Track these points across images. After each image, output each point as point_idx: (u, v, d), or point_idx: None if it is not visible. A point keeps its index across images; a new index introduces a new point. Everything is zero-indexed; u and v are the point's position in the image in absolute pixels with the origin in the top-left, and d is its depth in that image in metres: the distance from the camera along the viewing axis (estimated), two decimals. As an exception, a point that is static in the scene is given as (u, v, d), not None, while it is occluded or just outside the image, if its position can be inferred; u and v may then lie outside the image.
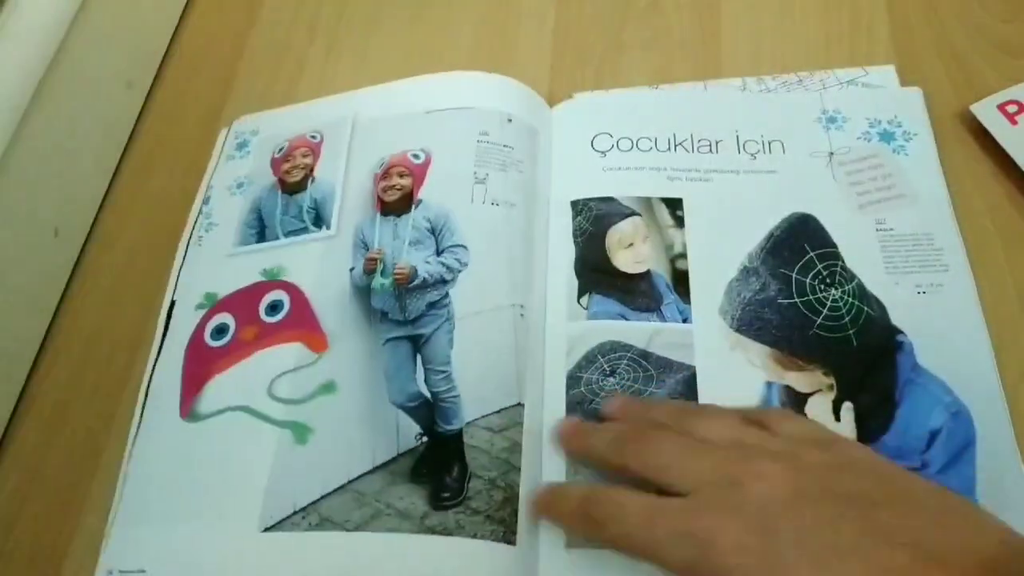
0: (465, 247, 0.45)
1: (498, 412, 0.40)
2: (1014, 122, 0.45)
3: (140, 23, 0.60)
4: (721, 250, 0.44)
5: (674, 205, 0.46)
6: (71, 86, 0.52)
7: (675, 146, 0.48)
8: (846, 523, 0.28)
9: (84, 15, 0.52)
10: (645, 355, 0.42)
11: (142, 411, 0.45)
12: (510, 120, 0.49)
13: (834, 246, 0.43)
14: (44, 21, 0.49)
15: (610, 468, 0.36)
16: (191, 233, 0.51)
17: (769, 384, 0.40)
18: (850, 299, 0.41)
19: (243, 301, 0.47)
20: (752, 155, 0.47)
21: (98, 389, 0.48)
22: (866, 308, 0.41)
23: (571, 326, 0.43)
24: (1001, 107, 0.45)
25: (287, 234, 0.48)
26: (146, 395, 0.45)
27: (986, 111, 0.46)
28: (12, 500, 0.45)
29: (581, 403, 0.41)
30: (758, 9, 0.55)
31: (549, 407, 0.41)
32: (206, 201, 0.52)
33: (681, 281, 0.44)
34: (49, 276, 0.51)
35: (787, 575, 0.27)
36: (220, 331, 0.46)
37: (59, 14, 0.50)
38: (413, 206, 0.47)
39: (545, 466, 0.40)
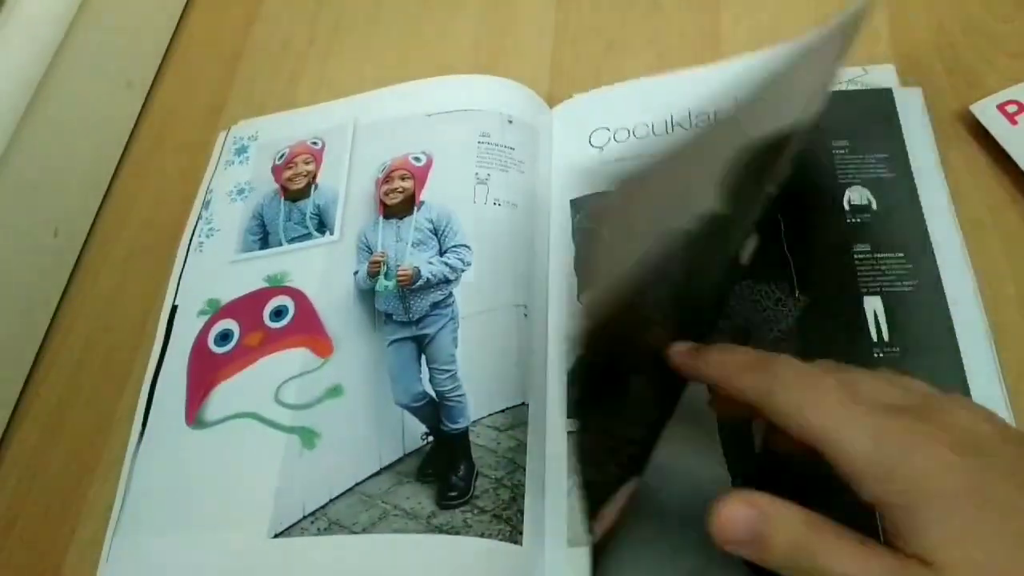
0: (468, 247, 0.45)
1: (503, 411, 0.40)
2: (1014, 122, 0.45)
3: (140, 23, 0.60)
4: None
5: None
6: (71, 86, 0.52)
7: (673, 127, 0.48)
8: None
9: (84, 15, 0.52)
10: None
11: (144, 418, 0.45)
12: (510, 121, 0.50)
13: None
14: (44, 21, 0.49)
15: (741, 393, 0.29)
16: (191, 239, 0.51)
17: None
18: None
19: (247, 307, 0.47)
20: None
21: (98, 390, 0.48)
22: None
23: (573, 325, 0.43)
24: (1001, 107, 0.45)
25: (290, 240, 0.49)
26: (149, 401, 0.45)
27: (986, 111, 0.46)
28: (12, 500, 0.45)
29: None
30: (758, 9, 0.55)
31: (552, 407, 0.41)
32: (206, 206, 0.52)
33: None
34: (49, 276, 0.51)
35: (998, 509, 0.23)
36: (224, 337, 0.46)
37: (59, 14, 0.50)
38: (415, 208, 0.47)
39: (549, 466, 0.40)
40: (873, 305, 0.41)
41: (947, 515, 0.23)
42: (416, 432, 0.40)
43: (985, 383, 0.39)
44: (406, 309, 0.43)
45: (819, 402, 0.26)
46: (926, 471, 0.24)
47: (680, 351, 0.32)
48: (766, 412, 0.27)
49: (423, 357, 0.42)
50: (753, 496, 0.26)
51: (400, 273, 0.44)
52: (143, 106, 0.60)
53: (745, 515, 0.26)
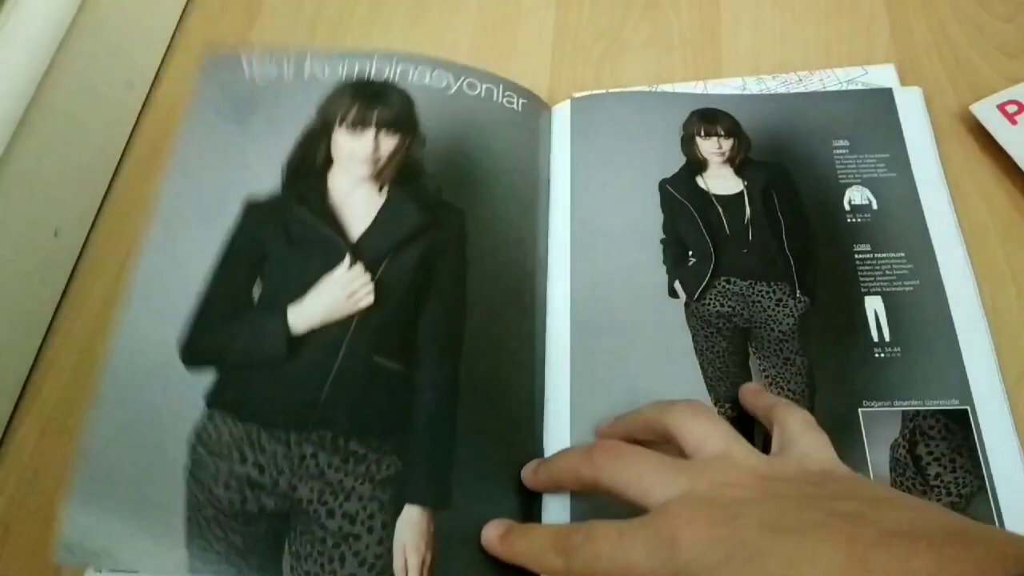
0: None
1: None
2: (1014, 122, 0.45)
3: (140, 23, 0.60)
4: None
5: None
6: (71, 86, 0.52)
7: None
8: (813, 509, 0.28)
9: (84, 15, 0.52)
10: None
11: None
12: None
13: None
14: (44, 21, 0.49)
15: (583, 484, 0.35)
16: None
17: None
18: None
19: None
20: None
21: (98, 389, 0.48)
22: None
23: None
24: (1001, 107, 0.45)
25: None
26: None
27: (986, 111, 0.46)
28: (12, 500, 0.45)
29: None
30: (758, 8, 0.55)
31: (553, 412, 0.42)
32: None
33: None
34: (49, 276, 0.51)
35: (756, 558, 0.26)
36: None
37: (59, 14, 0.50)
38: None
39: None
40: (873, 305, 0.41)
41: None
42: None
43: (985, 383, 0.39)
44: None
45: (603, 552, 0.30)
46: (692, 554, 0.28)
47: (494, 538, 0.36)
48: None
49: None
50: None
51: None
52: (143, 106, 0.60)
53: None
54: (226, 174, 0.46)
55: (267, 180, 0.45)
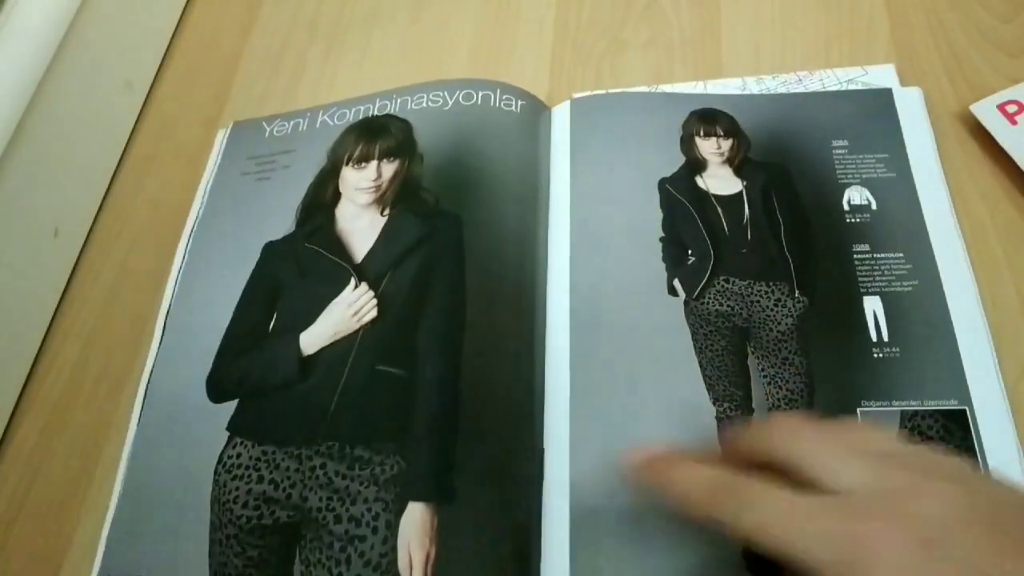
0: None
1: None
2: (1014, 122, 0.45)
3: (140, 23, 0.60)
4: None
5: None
6: (71, 86, 0.52)
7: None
8: (1009, 555, 0.25)
9: (84, 15, 0.52)
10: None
11: (139, 417, 0.44)
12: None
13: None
14: (44, 21, 0.49)
15: (748, 453, 0.31)
16: (191, 236, 0.50)
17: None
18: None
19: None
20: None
21: (98, 389, 0.48)
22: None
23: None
24: (1001, 107, 0.45)
25: None
26: (144, 401, 0.45)
27: (986, 111, 0.46)
28: (12, 500, 0.45)
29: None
30: (758, 9, 0.55)
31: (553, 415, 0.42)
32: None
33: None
34: (49, 276, 0.51)
35: None
36: None
37: (59, 14, 0.50)
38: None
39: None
40: (873, 305, 0.41)
41: None
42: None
43: (984, 383, 0.39)
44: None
45: (775, 521, 0.27)
46: (874, 571, 0.25)
47: (653, 459, 0.33)
48: (734, 535, 0.29)
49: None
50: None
51: None
52: (143, 106, 0.60)
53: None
54: (248, 224, 0.49)
55: (284, 224, 0.48)
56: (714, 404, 0.40)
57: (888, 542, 0.25)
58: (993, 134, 0.45)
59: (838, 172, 0.45)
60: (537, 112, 0.51)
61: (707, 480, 0.30)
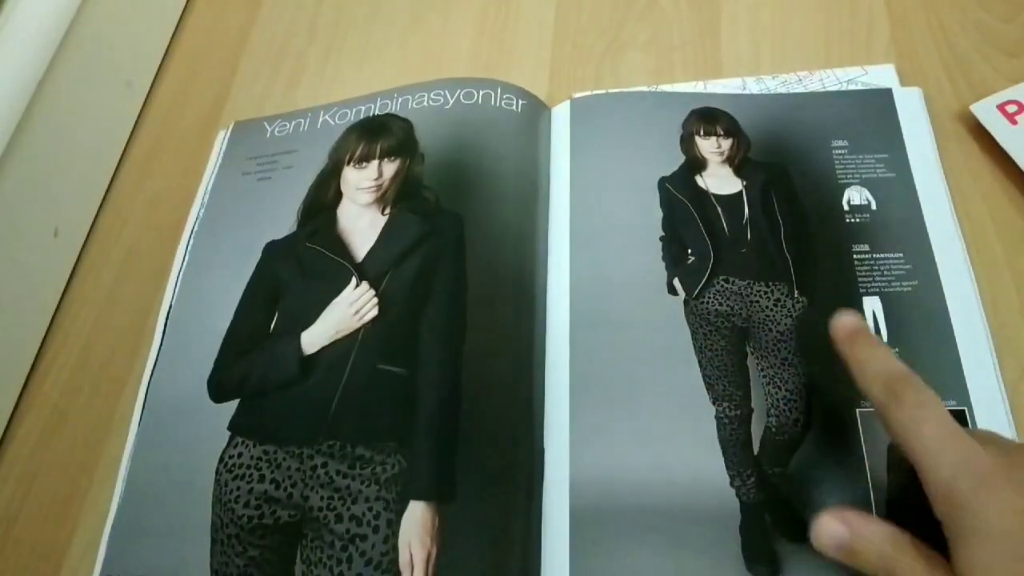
0: None
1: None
2: (1014, 122, 0.45)
3: (140, 23, 0.60)
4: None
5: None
6: (71, 86, 0.52)
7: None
8: None
9: (84, 15, 0.52)
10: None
11: (140, 418, 0.45)
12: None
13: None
14: (44, 21, 0.49)
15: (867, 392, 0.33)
16: (191, 236, 0.51)
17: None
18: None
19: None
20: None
21: (98, 389, 0.48)
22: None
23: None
24: (1001, 107, 0.45)
25: None
26: (144, 401, 0.45)
27: (986, 111, 0.46)
28: (12, 500, 0.45)
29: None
30: (758, 8, 0.55)
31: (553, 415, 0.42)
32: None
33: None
34: (49, 276, 0.51)
35: None
36: None
37: (59, 14, 0.50)
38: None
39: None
40: (872, 305, 0.41)
41: (983, 548, 0.27)
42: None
43: (983, 384, 0.39)
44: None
45: (924, 430, 0.30)
46: (981, 508, 0.28)
47: (847, 326, 0.35)
48: (883, 420, 0.32)
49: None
50: (846, 514, 0.32)
51: None
52: (143, 106, 0.60)
53: (836, 530, 0.31)
54: (249, 224, 0.49)
55: (286, 224, 0.48)
56: (713, 404, 0.40)
57: (1006, 489, 0.28)
58: (993, 134, 0.45)
59: (838, 172, 0.45)
60: (537, 111, 0.51)
61: (881, 361, 0.33)
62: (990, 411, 0.38)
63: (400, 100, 0.52)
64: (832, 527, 0.32)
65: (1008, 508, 0.28)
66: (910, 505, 0.32)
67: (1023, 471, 0.29)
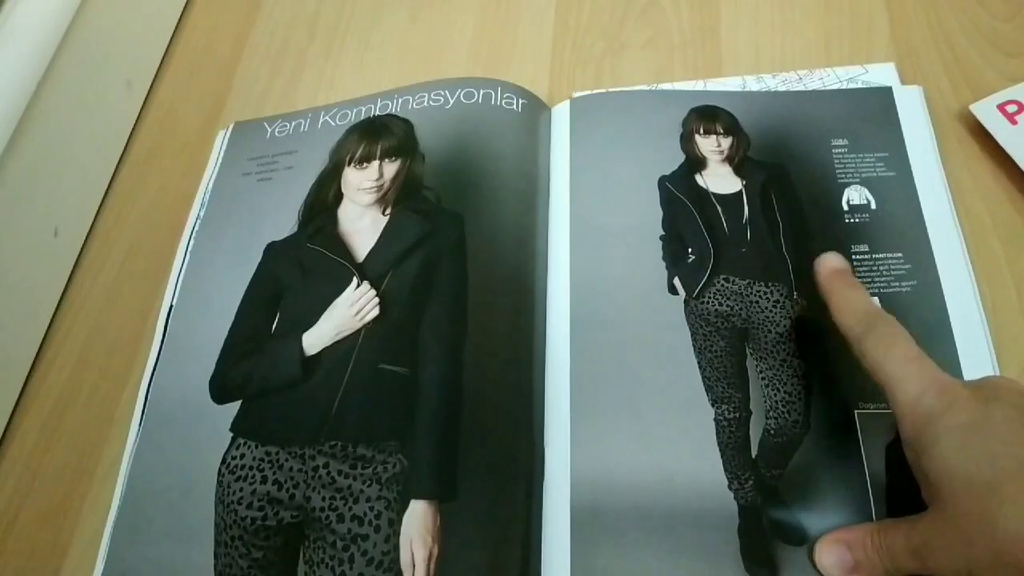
0: None
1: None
2: (1014, 122, 0.45)
3: (140, 23, 0.60)
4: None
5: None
6: (71, 86, 0.52)
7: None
8: None
9: (84, 15, 0.52)
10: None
11: (141, 419, 0.45)
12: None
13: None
14: (44, 21, 0.49)
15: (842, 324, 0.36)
16: (191, 236, 0.51)
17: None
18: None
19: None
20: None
21: (98, 389, 0.48)
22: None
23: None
24: (1001, 107, 0.45)
25: None
26: (145, 402, 0.45)
27: (986, 111, 0.46)
28: (12, 500, 0.45)
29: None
30: (758, 8, 0.55)
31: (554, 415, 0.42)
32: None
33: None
34: (49, 276, 0.51)
35: (996, 437, 0.29)
36: None
37: (59, 14, 0.50)
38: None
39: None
40: (872, 305, 0.41)
41: (947, 447, 0.30)
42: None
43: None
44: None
45: (893, 352, 0.33)
46: (944, 419, 0.30)
47: (830, 265, 0.39)
48: (857, 351, 0.35)
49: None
50: (838, 533, 0.34)
51: None
52: (143, 106, 0.60)
53: (838, 555, 0.34)
54: (250, 224, 0.49)
55: (286, 225, 0.48)
56: (712, 406, 0.40)
57: (968, 399, 0.30)
58: (993, 134, 0.45)
59: (838, 171, 0.45)
60: (537, 111, 0.51)
61: (858, 302, 0.36)
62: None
63: (400, 100, 0.52)
64: (834, 553, 0.34)
65: (970, 410, 0.30)
66: (909, 505, 0.32)
67: (987, 392, 0.31)
